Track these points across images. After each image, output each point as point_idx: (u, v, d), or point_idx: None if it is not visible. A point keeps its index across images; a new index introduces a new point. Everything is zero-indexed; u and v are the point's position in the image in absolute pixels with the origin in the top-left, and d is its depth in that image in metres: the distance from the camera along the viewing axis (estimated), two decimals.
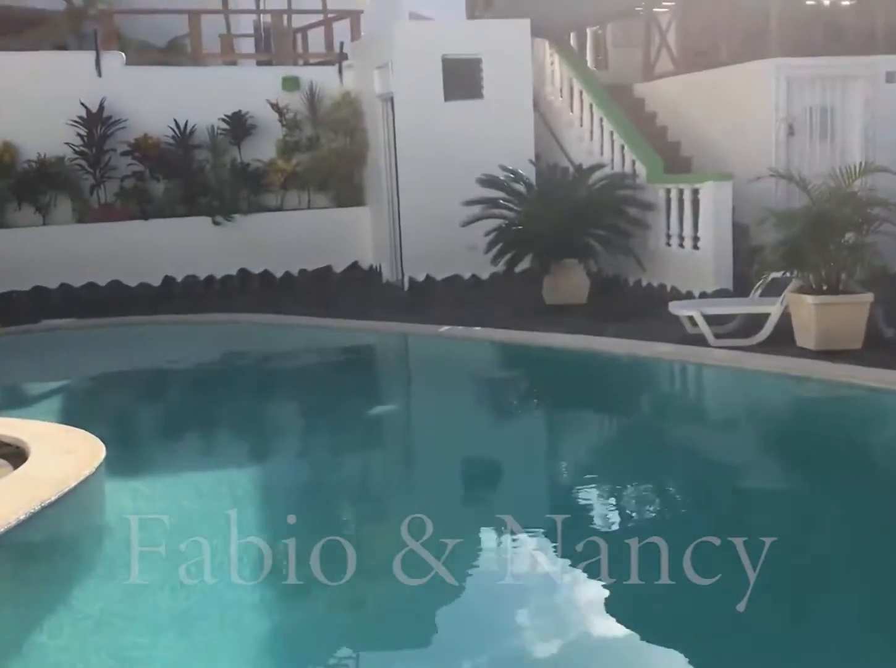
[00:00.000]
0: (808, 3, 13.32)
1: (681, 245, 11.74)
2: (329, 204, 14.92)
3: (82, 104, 13.65)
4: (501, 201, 12.02)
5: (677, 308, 9.53)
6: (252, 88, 14.53)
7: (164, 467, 6.69)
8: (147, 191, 14.13)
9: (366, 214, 14.79)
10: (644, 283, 12.47)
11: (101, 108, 13.78)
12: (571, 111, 13.97)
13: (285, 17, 16.52)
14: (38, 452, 5.74)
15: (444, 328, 10.49)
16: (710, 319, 9.33)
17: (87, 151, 13.79)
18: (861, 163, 9.30)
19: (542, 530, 5.32)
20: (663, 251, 12.10)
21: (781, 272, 8.86)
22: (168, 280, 14.16)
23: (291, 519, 5.35)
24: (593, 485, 6.19)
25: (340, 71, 14.89)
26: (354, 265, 14.84)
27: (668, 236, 11.99)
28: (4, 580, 4.69)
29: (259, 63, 16.33)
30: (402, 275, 13.58)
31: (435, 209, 12.86)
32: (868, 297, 8.50)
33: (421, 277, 13.53)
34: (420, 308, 12.12)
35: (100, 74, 13.99)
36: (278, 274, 14.55)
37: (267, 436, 7.69)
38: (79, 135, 13.73)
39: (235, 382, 9.60)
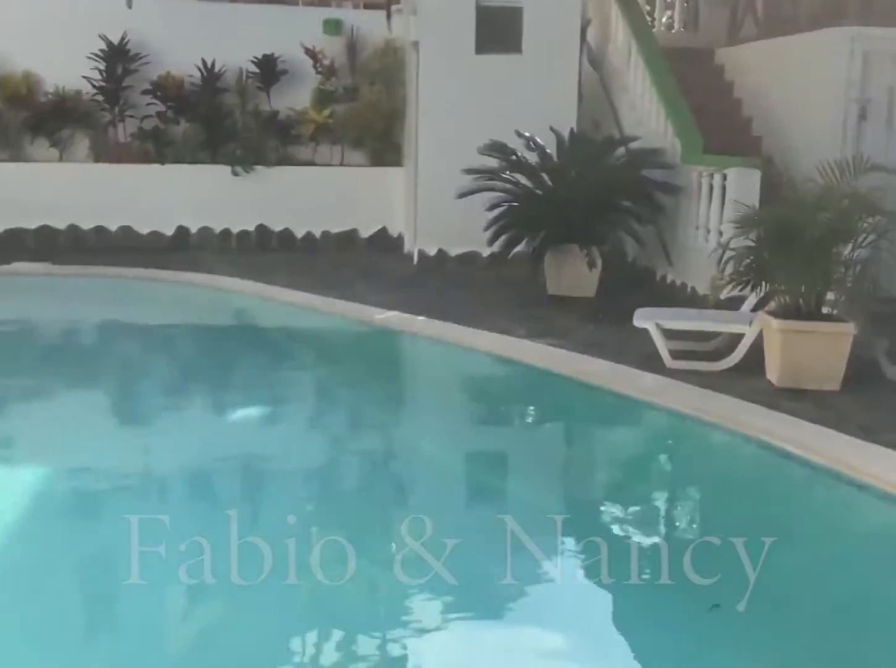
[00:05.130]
0: None
1: (706, 239, 9.95)
2: (364, 162, 13.68)
3: (101, 37, 12.86)
4: (505, 173, 10.48)
5: (640, 318, 7.83)
6: (289, 30, 13.38)
7: None
8: (166, 133, 13.27)
9: (400, 175, 13.44)
10: (669, 280, 10.72)
11: (124, 41, 12.99)
12: (628, 75, 12.21)
13: None
14: None
15: (382, 316, 9.10)
16: (683, 335, 7.68)
17: (107, 86, 13.05)
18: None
19: None
20: (691, 245, 10.31)
21: (739, 288, 7.09)
22: (181, 231, 13.29)
23: None
24: None
25: (389, 16, 13.51)
26: (382, 231, 13.53)
27: (697, 228, 10.20)
28: None
29: (304, 3, 15.05)
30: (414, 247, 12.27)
31: (454, 177, 11.32)
32: (848, 327, 6.64)
33: (433, 251, 12.18)
34: (409, 287, 10.79)
35: (129, 6, 13.19)
36: (299, 233, 13.44)
37: None
38: (97, 69, 12.99)
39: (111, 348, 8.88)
